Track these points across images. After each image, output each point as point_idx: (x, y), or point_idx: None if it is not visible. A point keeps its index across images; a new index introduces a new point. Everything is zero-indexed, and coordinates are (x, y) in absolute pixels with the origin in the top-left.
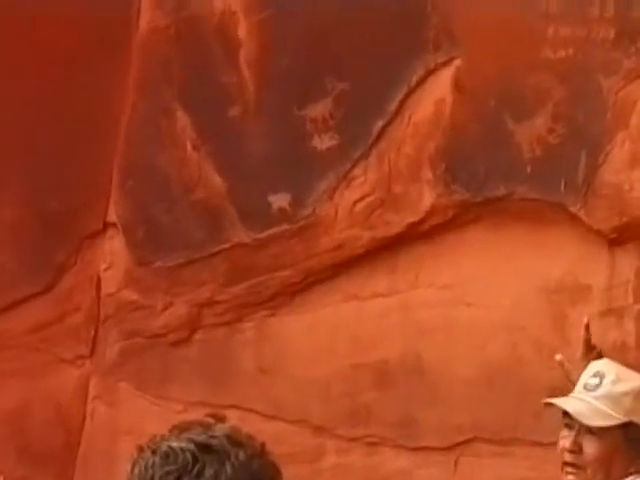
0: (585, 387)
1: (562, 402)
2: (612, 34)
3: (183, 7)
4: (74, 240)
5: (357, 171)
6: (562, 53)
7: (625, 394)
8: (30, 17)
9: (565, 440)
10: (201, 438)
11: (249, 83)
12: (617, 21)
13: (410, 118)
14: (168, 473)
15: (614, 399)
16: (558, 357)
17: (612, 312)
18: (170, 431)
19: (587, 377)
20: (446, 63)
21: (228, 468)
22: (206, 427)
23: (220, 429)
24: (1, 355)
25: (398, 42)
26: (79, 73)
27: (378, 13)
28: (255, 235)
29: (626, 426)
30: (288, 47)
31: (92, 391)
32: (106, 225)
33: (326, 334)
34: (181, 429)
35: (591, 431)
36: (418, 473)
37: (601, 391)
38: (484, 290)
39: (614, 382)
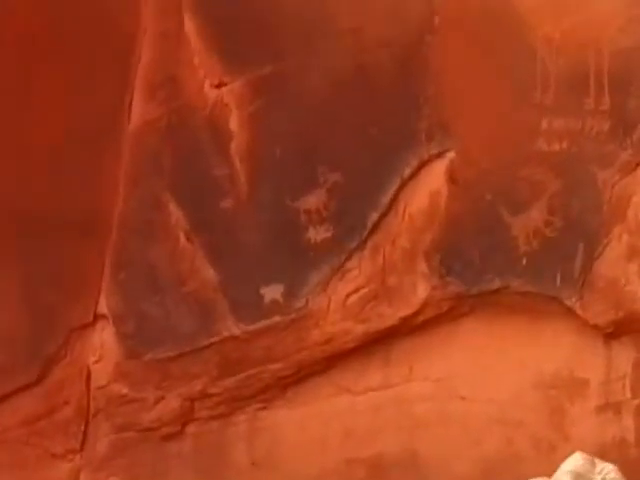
0: None
1: None
2: (607, 126)
3: (175, 98)
4: (64, 332)
5: (351, 263)
6: (557, 146)
7: None
8: (19, 107)
9: None
10: None
11: (241, 175)
12: (612, 113)
13: (405, 210)
14: None
15: None
16: None
17: (610, 407)
18: None
19: None
20: (440, 155)
21: None
22: None
23: None
24: None
25: (391, 133)
26: (70, 166)
27: (370, 104)
28: (247, 327)
29: None
30: (280, 139)
31: None
32: (96, 317)
33: (319, 428)
34: None
35: None
36: None
37: None
38: (479, 383)
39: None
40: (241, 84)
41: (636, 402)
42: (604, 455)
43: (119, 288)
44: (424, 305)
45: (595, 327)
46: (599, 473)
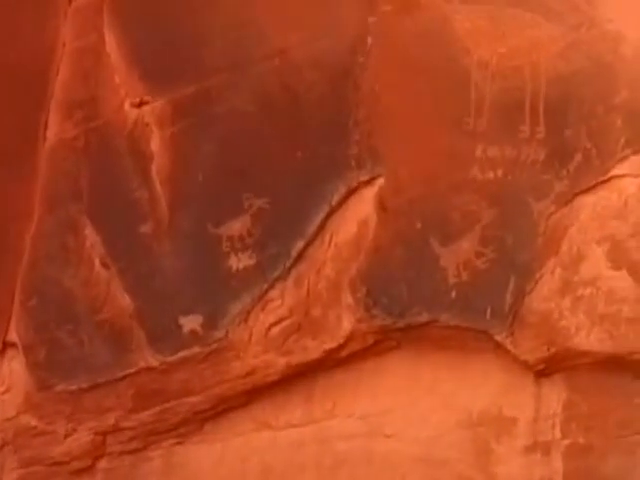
0: None
1: None
2: (543, 155)
3: (93, 117)
4: None
5: (274, 293)
6: (491, 174)
7: None
8: None
9: None
10: None
11: (162, 198)
12: (548, 142)
13: (331, 239)
14: None
15: None
16: None
17: (538, 447)
18: None
19: None
20: (369, 182)
21: None
22: None
23: None
24: None
25: (319, 158)
26: None
27: (298, 127)
28: (164, 358)
29: None
30: (203, 161)
31: None
32: (6, 345)
33: (237, 465)
34: None
35: None
36: None
37: None
38: (404, 421)
39: None
40: (163, 103)
41: (566, 442)
42: None
43: (30, 315)
44: (349, 338)
45: (525, 364)
46: None
